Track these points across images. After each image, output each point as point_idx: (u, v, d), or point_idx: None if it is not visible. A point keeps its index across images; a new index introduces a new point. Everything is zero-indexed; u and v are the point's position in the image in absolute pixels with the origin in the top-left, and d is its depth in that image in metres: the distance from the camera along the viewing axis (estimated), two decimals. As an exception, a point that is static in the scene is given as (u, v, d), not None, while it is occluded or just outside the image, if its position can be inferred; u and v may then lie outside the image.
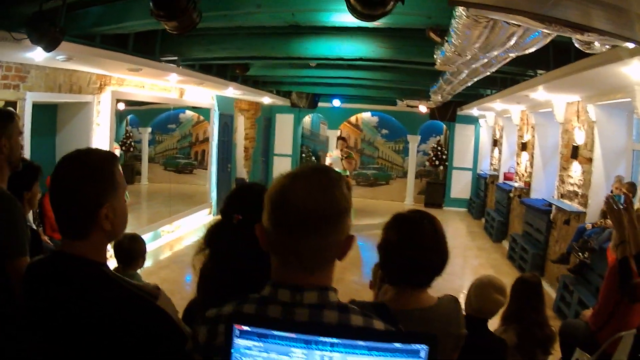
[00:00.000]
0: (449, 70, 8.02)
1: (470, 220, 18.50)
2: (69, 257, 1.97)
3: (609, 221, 8.10)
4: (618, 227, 3.95)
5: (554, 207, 10.67)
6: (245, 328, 1.49)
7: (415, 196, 20.76)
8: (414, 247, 2.44)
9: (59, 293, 1.92)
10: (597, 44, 4.59)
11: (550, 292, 9.96)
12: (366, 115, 20.89)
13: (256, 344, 1.49)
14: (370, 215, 16.47)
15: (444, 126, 20.36)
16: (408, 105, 18.82)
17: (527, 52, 5.26)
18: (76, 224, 1.98)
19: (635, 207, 6.88)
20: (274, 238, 1.64)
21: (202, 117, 15.24)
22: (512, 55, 5.78)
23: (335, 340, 1.46)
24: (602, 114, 8.78)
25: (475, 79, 8.41)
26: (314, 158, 21.08)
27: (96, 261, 1.99)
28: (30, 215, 5.58)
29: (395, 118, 20.48)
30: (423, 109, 18.46)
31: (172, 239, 12.56)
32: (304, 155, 21.11)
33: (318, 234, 1.60)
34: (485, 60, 6.27)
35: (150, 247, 10.67)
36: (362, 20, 4.95)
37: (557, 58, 7.54)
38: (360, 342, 1.46)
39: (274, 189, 1.65)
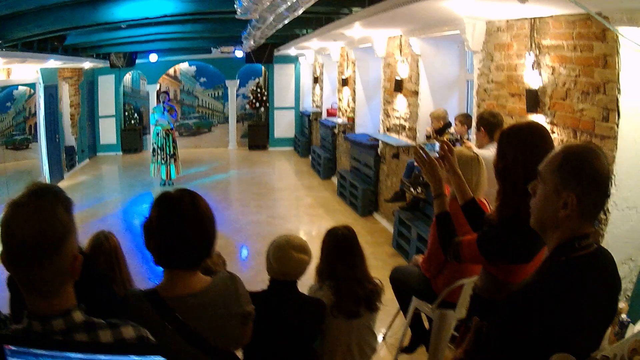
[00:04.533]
0: (253, 18, 7.94)
1: (297, 158, 18.65)
2: None
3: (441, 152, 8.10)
4: (432, 180, 3.44)
5: (380, 141, 10.67)
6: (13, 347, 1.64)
7: (238, 140, 20.79)
8: (176, 228, 2.32)
9: None
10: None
11: (387, 227, 10.04)
12: (184, 65, 20.48)
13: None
14: (196, 163, 16.78)
15: (263, 68, 20.30)
16: (223, 52, 18.67)
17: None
18: None
19: (470, 141, 6.88)
20: (6, 265, 1.67)
21: (33, 90, 14.73)
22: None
23: (83, 356, 1.65)
24: (428, 47, 8.73)
25: (284, 22, 8.18)
26: (136, 115, 20.55)
27: None
28: None
29: (213, 65, 20.22)
30: (239, 53, 18.20)
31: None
32: (127, 113, 20.51)
33: (42, 262, 1.64)
34: (288, 4, 6.06)
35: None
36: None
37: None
38: (102, 357, 1.66)
39: (2, 218, 1.67)
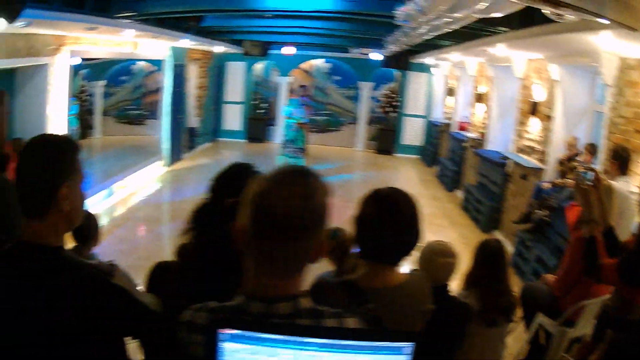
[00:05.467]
0: (412, 26, 7.94)
1: (423, 167, 18.65)
2: (27, 245, 1.95)
3: (568, 180, 8.24)
4: (585, 205, 3.75)
5: (511, 160, 10.77)
6: (235, 331, 1.49)
7: (366, 142, 20.88)
8: (393, 225, 2.40)
9: (16, 284, 1.91)
10: (568, 15, 4.60)
11: (506, 245, 10.12)
12: (319, 61, 20.74)
13: (245, 346, 1.49)
14: (323, 160, 16.79)
15: (397, 73, 20.36)
16: (362, 53, 18.78)
17: (492, 15, 5.28)
18: (36, 201, 1.96)
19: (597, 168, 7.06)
20: (251, 240, 1.66)
21: (154, 67, 14.91)
22: (477, 16, 5.78)
23: (324, 341, 1.49)
24: (566, 73, 8.84)
25: (435, 34, 8.35)
26: (265, 105, 20.98)
27: (53, 246, 1.99)
28: None
29: (349, 65, 20.38)
30: (375, 56, 18.40)
31: (126, 194, 12.23)
32: (256, 102, 20.94)
33: (295, 240, 1.64)
34: (449, 19, 6.26)
35: (104, 205, 10.54)
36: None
37: (522, 17, 7.53)
38: (348, 342, 1.50)
39: (256, 191, 1.67)
